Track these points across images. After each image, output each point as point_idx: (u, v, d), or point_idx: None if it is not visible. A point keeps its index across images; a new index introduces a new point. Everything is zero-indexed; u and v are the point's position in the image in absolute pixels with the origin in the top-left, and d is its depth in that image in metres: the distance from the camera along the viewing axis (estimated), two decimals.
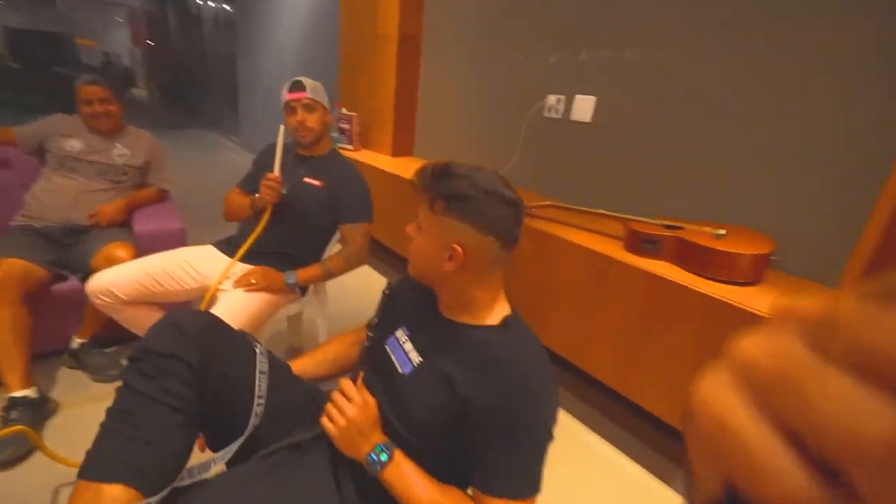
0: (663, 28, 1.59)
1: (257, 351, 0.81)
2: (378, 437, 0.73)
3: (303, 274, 1.41)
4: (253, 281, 1.33)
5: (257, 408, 0.76)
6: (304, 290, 1.52)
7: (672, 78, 1.58)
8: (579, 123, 1.89)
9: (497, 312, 0.76)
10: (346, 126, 2.97)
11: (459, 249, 0.69)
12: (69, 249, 1.64)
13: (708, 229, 1.34)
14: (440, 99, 2.69)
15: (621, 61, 1.72)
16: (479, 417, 0.66)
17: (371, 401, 0.76)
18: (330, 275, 1.44)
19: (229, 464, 0.77)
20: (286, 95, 1.40)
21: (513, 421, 0.64)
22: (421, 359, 0.76)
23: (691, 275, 1.27)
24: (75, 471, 1.20)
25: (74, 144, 1.74)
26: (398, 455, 0.71)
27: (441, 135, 2.73)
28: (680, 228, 1.37)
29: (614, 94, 1.76)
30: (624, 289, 1.36)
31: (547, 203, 1.70)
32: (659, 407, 1.33)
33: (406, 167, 2.58)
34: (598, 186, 1.87)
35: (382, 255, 2.98)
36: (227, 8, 6.79)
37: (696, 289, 1.19)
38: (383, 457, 0.70)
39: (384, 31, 2.71)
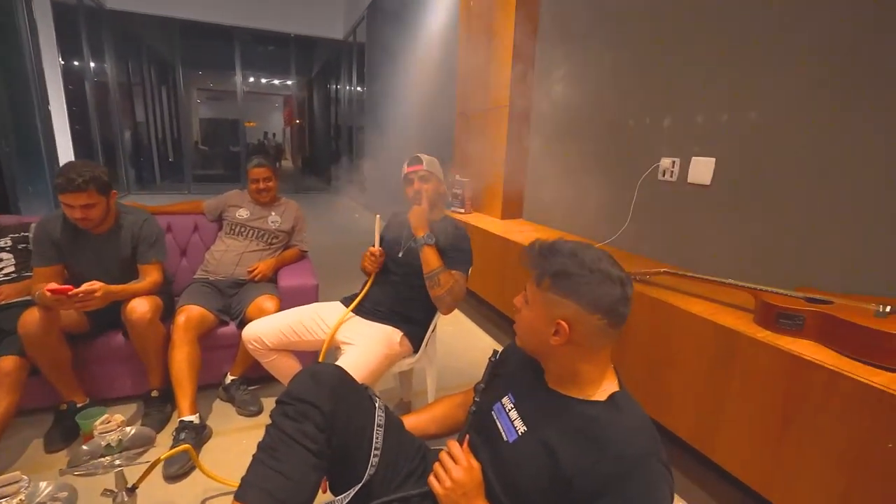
0: (787, 89, 1.49)
1: (377, 405, 0.90)
2: (481, 503, 0.75)
3: (434, 251, 1.45)
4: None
5: (373, 458, 0.84)
6: (416, 348, 1.62)
7: (803, 137, 1.46)
8: (697, 186, 1.81)
9: (605, 388, 0.75)
10: (458, 191, 3.20)
11: (565, 325, 0.71)
12: (231, 299, 1.99)
13: (866, 305, 1.16)
14: (549, 164, 2.77)
15: (742, 122, 1.63)
16: (583, 500, 0.64)
17: (476, 465, 0.79)
18: (438, 276, 1.43)
19: None
20: (405, 169, 1.60)
21: None
22: (525, 428, 0.77)
23: (845, 358, 1.09)
24: (222, 488, 1.37)
25: (242, 213, 2.15)
26: None
27: (550, 198, 2.79)
28: (828, 303, 1.20)
29: (736, 155, 1.67)
30: (758, 370, 1.22)
31: (662, 270, 1.62)
32: None
33: (515, 230, 2.66)
34: (719, 253, 1.74)
35: (489, 314, 3.03)
36: (360, 89, 7.90)
37: (854, 376, 1.02)
38: None
39: (496, 103, 2.93)
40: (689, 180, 1.84)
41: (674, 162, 1.90)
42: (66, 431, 1.63)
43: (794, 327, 1.20)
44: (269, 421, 0.81)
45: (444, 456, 0.80)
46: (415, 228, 1.49)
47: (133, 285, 1.67)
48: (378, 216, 1.62)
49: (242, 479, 0.74)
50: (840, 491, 1.05)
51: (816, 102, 1.42)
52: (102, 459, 1.09)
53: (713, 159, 1.75)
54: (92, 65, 7.05)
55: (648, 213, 2.04)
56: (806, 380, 1.11)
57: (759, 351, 1.20)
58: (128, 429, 1.17)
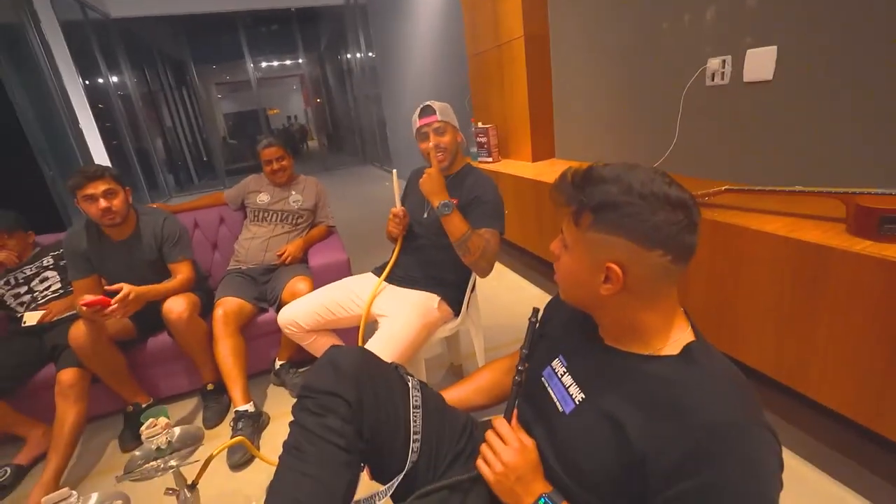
0: None
1: (410, 385, 0.80)
2: (541, 486, 0.64)
3: (457, 216, 1.30)
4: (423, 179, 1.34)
5: (413, 444, 0.75)
6: (457, 311, 1.52)
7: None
8: (757, 84, 1.53)
9: (675, 339, 0.61)
10: (483, 139, 2.99)
11: (617, 269, 0.57)
12: (265, 286, 1.96)
13: None
14: (578, 93, 2.50)
15: None
16: (664, 483, 0.52)
17: (529, 443, 0.68)
18: (467, 242, 1.30)
19: (393, 496, 0.78)
20: (418, 122, 1.44)
21: (713, 491, 0.49)
22: (583, 395, 0.65)
23: None
24: None
25: (263, 198, 2.09)
26: None
27: (584, 130, 2.53)
28: None
29: (804, 37, 1.38)
30: (857, 288, 1.02)
31: (723, 188, 1.40)
32: None
33: (548, 171, 2.46)
34: (790, 160, 1.48)
35: (532, 263, 2.89)
36: (371, 55, 7.60)
37: None
38: None
39: (509, 36, 2.66)
40: (746, 79, 1.56)
41: (724, 61, 1.62)
42: (135, 431, 1.69)
43: None
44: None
45: (490, 436, 0.69)
46: (429, 196, 1.34)
47: (164, 284, 1.66)
48: (395, 171, 1.48)
49: (269, 486, 0.68)
50: None
51: None
52: (155, 462, 1.09)
53: (774, 48, 1.46)
54: (113, 79, 7.20)
55: (698, 126, 1.78)
56: None
57: (859, 265, 1.00)
58: (175, 429, 1.16)
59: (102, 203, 1.57)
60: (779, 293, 1.18)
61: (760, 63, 1.50)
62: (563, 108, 2.65)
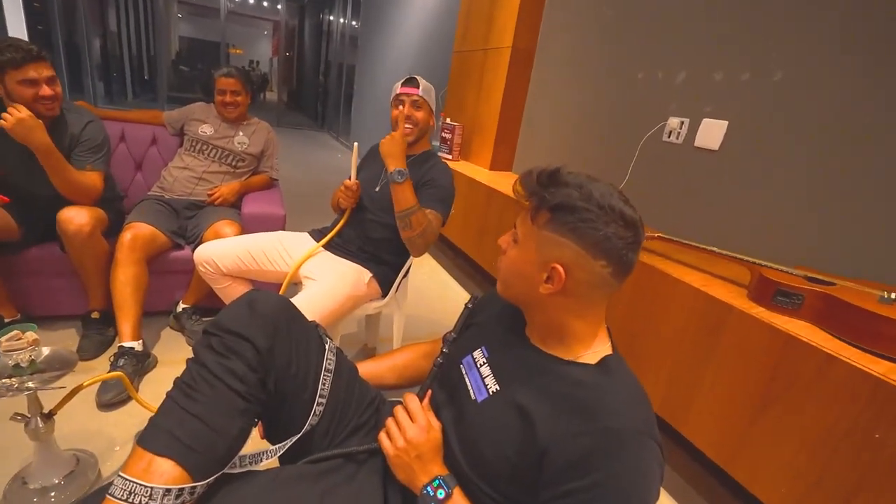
0: (815, 48, 1.34)
1: (327, 347, 0.77)
2: (437, 469, 0.64)
3: (408, 187, 1.26)
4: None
5: (317, 407, 0.72)
6: (385, 292, 1.50)
7: (825, 103, 1.32)
8: (704, 151, 1.68)
9: (596, 349, 0.64)
10: (447, 135, 2.99)
11: (561, 270, 0.59)
12: (187, 222, 1.81)
13: (870, 290, 1.08)
14: (547, 114, 2.58)
15: (765, 83, 1.49)
16: (558, 476, 0.54)
17: (436, 424, 0.68)
18: (410, 217, 1.27)
19: (281, 458, 0.74)
20: (399, 89, 1.42)
21: (601, 490, 0.52)
22: (498, 387, 0.66)
23: (842, 343, 1.02)
24: None
25: (206, 129, 1.92)
26: (457, 494, 0.62)
27: (545, 151, 2.62)
28: (831, 284, 1.11)
29: (751, 120, 1.53)
30: (745, 346, 1.14)
31: (656, 235, 1.51)
32: (774, 498, 1.08)
33: (502, 182, 2.50)
34: (718, 224, 1.63)
35: (465, 267, 2.93)
36: (355, 24, 7.34)
37: (852, 362, 0.95)
38: (440, 493, 0.61)
39: (498, 43, 2.69)
40: (697, 144, 1.70)
41: (682, 122, 1.75)
42: None
43: (792, 306, 1.12)
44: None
45: (399, 411, 0.68)
46: (386, 158, 1.27)
47: (70, 166, 1.46)
48: (356, 144, 1.44)
49: (150, 419, 0.61)
50: (813, 478, 1.00)
51: (845, 68, 1.28)
52: (9, 380, 0.95)
53: (725, 122, 1.61)
54: None
55: (648, 175, 1.91)
56: (797, 361, 1.03)
57: (751, 327, 1.12)
58: (43, 349, 1.02)
59: (46, 90, 1.37)
60: (681, 337, 1.30)
61: (712, 133, 1.65)
62: (531, 126, 2.72)
